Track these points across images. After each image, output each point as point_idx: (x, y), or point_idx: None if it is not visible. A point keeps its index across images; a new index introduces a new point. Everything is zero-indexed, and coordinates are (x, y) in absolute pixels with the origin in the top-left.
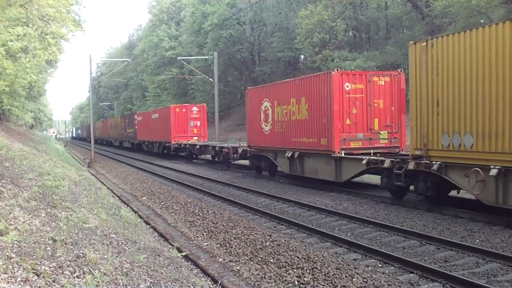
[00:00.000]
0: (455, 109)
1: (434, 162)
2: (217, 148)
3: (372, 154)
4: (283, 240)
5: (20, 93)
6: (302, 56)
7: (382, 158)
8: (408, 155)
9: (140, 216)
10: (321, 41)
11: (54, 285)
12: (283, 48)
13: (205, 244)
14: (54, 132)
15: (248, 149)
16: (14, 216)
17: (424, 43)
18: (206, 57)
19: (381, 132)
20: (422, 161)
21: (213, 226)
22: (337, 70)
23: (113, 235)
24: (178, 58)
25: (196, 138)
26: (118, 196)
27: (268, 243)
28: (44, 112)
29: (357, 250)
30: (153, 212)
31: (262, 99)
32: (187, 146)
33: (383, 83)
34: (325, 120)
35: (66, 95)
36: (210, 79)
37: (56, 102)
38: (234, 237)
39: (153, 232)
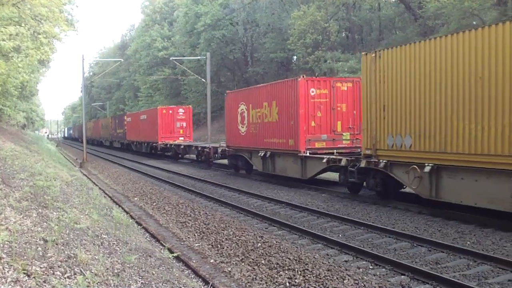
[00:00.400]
0: (397, 114)
1: (381, 161)
2: (199, 148)
3: (335, 154)
4: (274, 242)
5: (12, 93)
6: (295, 57)
7: (340, 157)
8: None
9: (131, 217)
10: (313, 42)
11: (45, 286)
12: (275, 49)
13: (196, 245)
14: (46, 132)
15: (226, 149)
16: (5, 216)
17: (374, 55)
18: (199, 57)
19: (343, 133)
20: (372, 160)
21: (204, 227)
22: (303, 76)
23: (104, 236)
24: (171, 58)
25: (182, 138)
26: (109, 197)
27: (259, 244)
28: (36, 112)
29: (348, 252)
30: (145, 213)
31: (239, 102)
32: (173, 146)
33: (345, 89)
34: (293, 122)
35: (58, 95)
36: (203, 79)
37: (48, 102)
38: (226, 238)
39: (145, 233)
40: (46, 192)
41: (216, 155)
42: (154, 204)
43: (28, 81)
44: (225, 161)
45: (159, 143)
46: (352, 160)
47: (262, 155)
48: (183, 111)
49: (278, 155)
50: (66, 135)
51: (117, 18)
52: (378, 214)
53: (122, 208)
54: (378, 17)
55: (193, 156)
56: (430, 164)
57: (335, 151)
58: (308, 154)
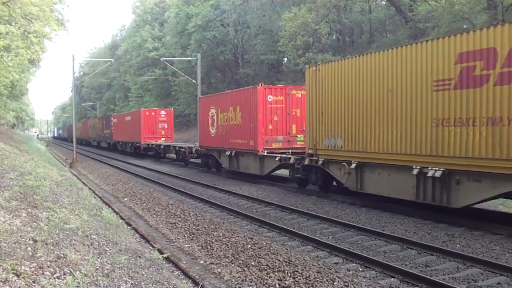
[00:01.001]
0: (332, 119)
1: (320, 159)
2: (177, 148)
3: (287, 153)
4: (264, 243)
5: (2, 92)
6: (286, 59)
7: (289, 156)
8: None
9: (121, 217)
10: (304, 44)
11: (34, 286)
12: (266, 51)
13: (186, 246)
14: (36, 132)
15: (199, 149)
16: None
17: (314, 68)
18: (190, 58)
19: (298, 135)
20: (313, 158)
21: (194, 228)
22: (261, 85)
23: (94, 236)
24: (162, 59)
25: (164, 139)
26: (99, 197)
27: (249, 245)
28: (26, 112)
29: (338, 254)
30: (135, 214)
31: (210, 106)
32: (154, 146)
33: (300, 96)
34: (253, 125)
35: (48, 94)
36: (193, 80)
37: (38, 101)
38: (216, 240)
39: (135, 234)
40: (35, 192)
41: (191, 155)
42: (144, 205)
43: (18, 80)
44: (199, 160)
45: (142, 143)
46: (298, 158)
47: (228, 154)
48: (165, 113)
49: (242, 154)
50: (55, 135)
51: (108, 18)
52: (368, 216)
53: (112, 209)
54: (369, 20)
55: (173, 156)
56: (356, 162)
57: (290, 151)
58: (265, 153)
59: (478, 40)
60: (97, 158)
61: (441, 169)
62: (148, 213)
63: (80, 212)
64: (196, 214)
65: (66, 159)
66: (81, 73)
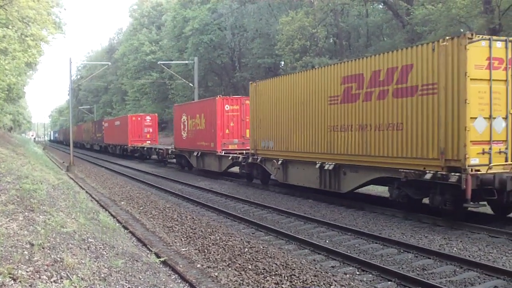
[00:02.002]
0: (266, 126)
1: (259, 157)
2: (157, 150)
3: (244, 153)
4: (261, 247)
5: None
6: (283, 63)
7: (238, 155)
8: None
9: (118, 221)
10: (301, 47)
11: None
12: (263, 54)
13: (183, 249)
14: (33, 135)
15: (174, 150)
16: None
17: (255, 84)
18: (187, 62)
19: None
20: (254, 157)
21: (191, 232)
22: (220, 96)
23: (91, 240)
24: (159, 62)
25: (149, 142)
26: (96, 201)
27: (246, 249)
28: (23, 115)
29: (335, 258)
30: (132, 217)
31: (182, 113)
32: (139, 148)
33: None
34: (213, 130)
35: (45, 98)
36: (190, 84)
37: (35, 105)
38: (213, 243)
39: (132, 237)
40: (32, 196)
41: (168, 155)
42: (141, 208)
43: (15, 83)
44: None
45: (129, 145)
46: (245, 157)
47: (196, 154)
48: (150, 118)
49: (206, 154)
50: (52, 138)
51: (105, 21)
52: (365, 220)
53: (109, 212)
54: (366, 24)
55: (155, 157)
56: (281, 159)
57: (244, 151)
58: (223, 153)
59: (353, 67)
60: (92, 160)
61: (333, 163)
62: (145, 217)
63: (77, 216)
64: (193, 218)
65: (63, 162)
66: (78, 76)
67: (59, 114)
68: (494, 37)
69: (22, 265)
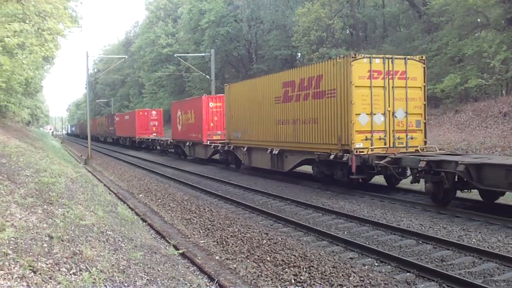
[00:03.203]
0: (236, 120)
1: (231, 146)
2: (160, 141)
3: (219, 142)
4: (279, 239)
5: (17, 90)
6: (299, 54)
7: (218, 144)
8: None
9: (136, 214)
10: (318, 39)
11: (51, 282)
12: (280, 46)
13: (201, 242)
14: (51, 129)
15: (172, 141)
16: (11, 212)
17: (228, 86)
18: (203, 54)
19: None
20: (229, 145)
21: (209, 224)
22: (205, 95)
23: (109, 232)
24: (175, 55)
25: (155, 134)
26: (114, 193)
27: (264, 241)
28: (41, 109)
29: (353, 249)
30: (150, 210)
31: (177, 109)
32: (144, 140)
33: None
34: (200, 123)
35: (63, 91)
36: (207, 76)
37: (53, 98)
38: (231, 235)
39: (150, 230)
40: (51, 189)
41: (168, 146)
42: (159, 201)
43: (32, 77)
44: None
45: (137, 137)
46: (223, 145)
47: (188, 144)
48: (155, 113)
49: (195, 144)
50: (69, 131)
51: (121, 14)
52: (383, 211)
53: (127, 205)
54: (382, 14)
55: (159, 148)
56: (246, 147)
57: (226, 141)
58: (208, 143)
59: (289, 75)
60: (108, 153)
61: (278, 149)
62: (163, 209)
63: (96, 209)
64: (211, 210)
65: (81, 155)
66: (95, 70)
67: (77, 107)
68: (374, 55)
69: (41, 258)
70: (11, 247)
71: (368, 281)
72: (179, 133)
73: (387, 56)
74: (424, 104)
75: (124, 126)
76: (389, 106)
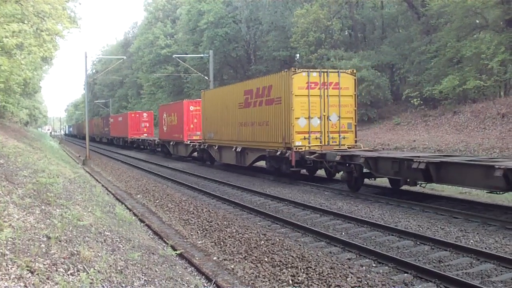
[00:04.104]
0: (210, 122)
1: (206, 144)
2: (148, 141)
3: (198, 142)
4: (277, 239)
5: (15, 90)
6: (298, 55)
7: (196, 143)
8: None
9: (134, 214)
10: (316, 40)
11: (48, 283)
12: (278, 47)
13: (199, 242)
14: (49, 129)
15: (159, 141)
16: (8, 213)
17: (203, 92)
18: (202, 55)
19: None
20: (204, 144)
21: (207, 225)
22: (186, 100)
23: (107, 233)
24: (174, 56)
25: (146, 134)
26: (112, 194)
27: (262, 242)
28: (39, 109)
29: (351, 250)
30: (148, 210)
31: (163, 112)
32: (135, 140)
33: None
34: (182, 125)
35: (61, 92)
36: (206, 77)
37: (51, 99)
38: (229, 236)
39: (148, 230)
40: (49, 189)
41: (156, 145)
42: (157, 201)
43: (31, 78)
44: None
45: (129, 138)
46: (199, 144)
47: (172, 143)
48: (146, 115)
49: (178, 144)
50: (67, 132)
51: (119, 15)
52: (381, 212)
53: (125, 205)
54: (381, 15)
55: (148, 147)
56: (217, 145)
57: (202, 141)
58: (188, 142)
59: (249, 85)
60: (104, 153)
61: (241, 147)
62: (161, 210)
63: (94, 209)
64: (209, 211)
65: (79, 156)
66: (94, 71)
67: (75, 108)
68: (311, 70)
69: (39, 258)
70: (8, 248)
71: (365, 282)
72: (164, 134)
73: (322, 70)
74: (355, 110)
75: (117, 127)
76: (324, 111)
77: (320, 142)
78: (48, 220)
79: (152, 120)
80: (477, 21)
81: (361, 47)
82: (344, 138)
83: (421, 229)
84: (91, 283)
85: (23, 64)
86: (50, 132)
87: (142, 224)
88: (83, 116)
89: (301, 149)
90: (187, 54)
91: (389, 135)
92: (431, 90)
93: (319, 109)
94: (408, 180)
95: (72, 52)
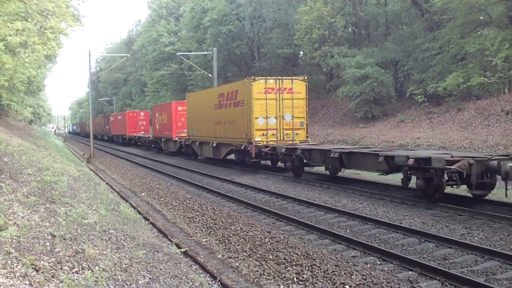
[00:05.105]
0: (193, 121)
1: (190, 140)
2: (144, 138)
3: (185, 138)
4: (282, 237)
5: (19, 88)
6: (302, 53)
7: (182, 140)
8: None
9: (139, 212)
10: (320, 37)
11: (53, 281)
12: (282, 44)
13: (204, 240)
14: (53, 128)
15: (152, 138)
16: (13, 211)
17: (188, 94)
18: (206, 52)
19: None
20: (189, 140)
21: (212, 222)
22: (174, 101)
23: (112, 231)
24: (177, 53)
25: (143, 132)
26: (117, 192)
27: (267, 239)
28: (43, 107)
29: (356, 247)
30: (152, 208)
31: (156, 111)
32: (133, 137)
33: None
34: (171, 123)
35: (65, 90)
36: (210, 74)
37: (55, 97)
38: (233, 234)
39: (152, 228)
40: (53, 187)
41: (150, 142)
42: (162, 199)
43: (35, 76)
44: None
45: (127, 135)
46: (185, 140)
47: (163, 140)
48: (143, 114)
49: (168, 140)
50: (70, 130)
51: (123, 13)
52: (385, 209)
53: (130, 203)
54: (384, 12)
55: (144, 144)
56: (198, 141)
57: (187, 137)
58: (176, 139)
59: (222, 89)
60: (106, 150)
61: (216, 142)
62: (166, 208)
63: (98, 207)
64: (213, 208)
65: (83, 154)
66: (98, 69)
67: (79, 106)
68: (268, 77)
69: (44, 256)
70: (13, 246)
71: (370, 280)
72: (157, 131)
73: (278, 77)
74: (306, 110)
75: (117, 125)
76: (279, 112)
77: (276, 138)
78: (52, 218)
79: (148, 118)
80: (481, 18)
81: (364, 44)
82: (297, 134)
83: (425, 226)
84: (96, 281)
85: (27, 62)
86: (55, 130)
87: (146, 222)
88: (87, 114)
89: (260, 143)
90: (190, 51)
91: (393, 132)
92: (435, 87)
93: (275, 110)
94: (330, 166)
95: (76, 50)
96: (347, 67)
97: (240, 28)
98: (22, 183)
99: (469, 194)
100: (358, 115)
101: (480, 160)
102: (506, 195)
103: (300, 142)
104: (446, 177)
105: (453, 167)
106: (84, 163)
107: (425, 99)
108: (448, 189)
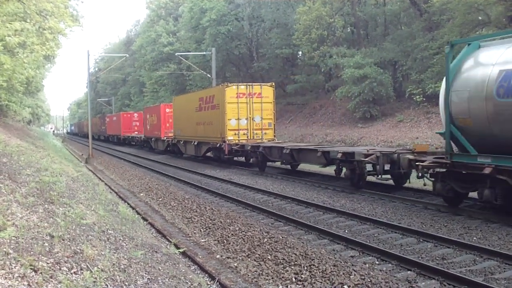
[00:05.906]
0: (178, 122)
1: (176, 140)
2: (136, 138)
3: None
4: (280, 237)
5: (18, 89)
6: (300, 53)
7: (169, 139)
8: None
9: (137, 212)
10: (319, 37)
11: (52, 281)
12: (281, 44)
13: (202, 240)
14: (52, 128)
15: (144, 137)
16: (12, 211)
17: (174, 97)
18: (204, 53)
19: None
20: (175, 139)
21: (210, 223)
22: (163, 104)
23: (110, 231)
24: (176, 54)
25: (136, 132)
26: (115, 192)
27: (265, 239)
28: (42, 108)
29: (354, 247)
30: (151, 209)
31: (147, 113)
32: (127, 137)
33: None
34: (160, 124)
35: (64, 90)
36: (208, 75)
37: (54, 97)
38: (232, 234)
39: (151, 229)
40: (52, 188)
41: (142, 142)
42: (160, 199)
43: (33, 76)
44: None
45: (122, 135)
46: (172, 139)
47: (153, 140)
48: (137, 115)
49: (157, 140)
50: (69, 130)
51: (122, 13)
52: (384, 209)
53: (128, 204)
54: (383, 12)
55: (137, 143)
56: (183, 140)
57: (173, 137)
58: (165, 139)
59: (202, 94)
60: (103, 150)
61: (197, 141)
62: (164, 208)
63: (97, 208)
64: (212, 209)
65: (82, 154)
66: (96, 69)
67: (78, 106)
68: (240, 84)
69: (42, 257)
70: (12, 246)
71: (369, 280)
72: (148, 131)
73: (248, 83)
74: (274, 112)
75: (112, 126)
76: (250, 114)
77: (247, 137)
78: (51, 218)
79: (141, 119)
80: (480, 18)
81: (363, 44)
82: (265, 133)
83: (424, 226)
84: (94, 281)
85: (26, 63)
86: (53, 131)
87: (145, 222)
88: (85, 115)
89: (232, 142)
90: (189, 52)
91: (392, 132)
92: (433, 87)
93: (246, 112)
94: (284, 161)
95: (74, 50)
96: (345, 67)
97: (239, 28)
98: (21, 184)
99: (391, 182)
100: (356, 115)
101: (386, 153)
102: (409, 182)
103: (268, 141)
104: (368, 168)
105: (366, 159)
106: (83, 164)
107: (424, 99)
108: (371, 178)
